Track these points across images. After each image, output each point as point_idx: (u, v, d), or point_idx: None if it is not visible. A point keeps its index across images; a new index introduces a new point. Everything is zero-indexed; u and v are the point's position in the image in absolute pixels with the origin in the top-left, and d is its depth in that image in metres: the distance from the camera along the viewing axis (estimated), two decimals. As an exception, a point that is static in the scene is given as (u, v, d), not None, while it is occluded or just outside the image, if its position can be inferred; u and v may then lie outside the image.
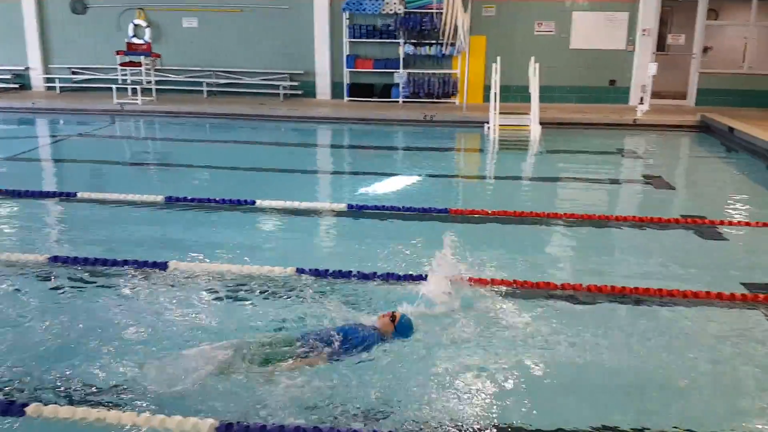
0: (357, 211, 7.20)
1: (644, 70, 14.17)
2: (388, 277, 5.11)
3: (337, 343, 3.85)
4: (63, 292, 4.88)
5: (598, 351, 4.11)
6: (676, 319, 4.64)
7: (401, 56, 15.23)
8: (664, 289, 4.94)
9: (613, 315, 4.66)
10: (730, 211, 7.76)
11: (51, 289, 4.94)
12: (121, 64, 15.26)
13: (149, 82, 15.23)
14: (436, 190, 8.75)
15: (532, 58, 12.57)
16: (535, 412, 3.49)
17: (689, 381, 3.83)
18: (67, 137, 12.77)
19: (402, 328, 4.07)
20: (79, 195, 7.53)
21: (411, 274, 5.14)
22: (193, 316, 4.48)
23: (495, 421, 3.38)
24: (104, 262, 5.34)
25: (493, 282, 5.03)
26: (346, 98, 15.71)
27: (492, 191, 9.14)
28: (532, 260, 5.71)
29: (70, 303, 4.73)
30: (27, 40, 16.49)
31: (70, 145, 11.86)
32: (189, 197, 7.45)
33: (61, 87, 16.38)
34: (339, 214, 7.22)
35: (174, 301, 4.67)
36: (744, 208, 7.96)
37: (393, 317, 4.08)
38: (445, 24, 14.62)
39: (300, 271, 5.20)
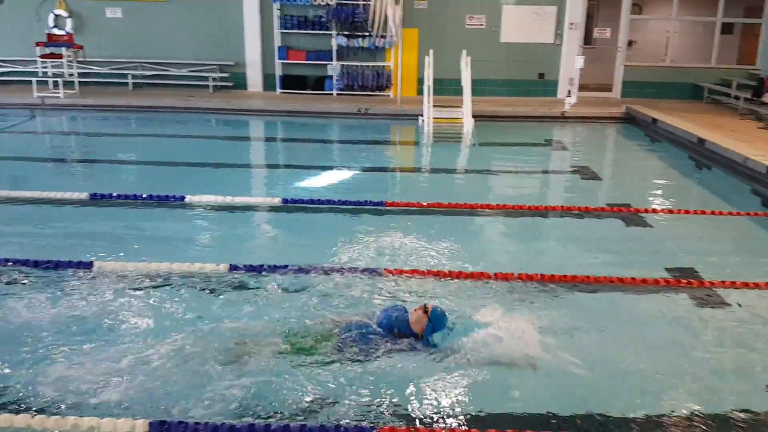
0: (292, 205, 7.12)
1: (572, 63, 14.54)
2: (325, 270, 5.07)
3: (374, 338, 3.94)
4: (-21, 296, 4.62)
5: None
6: (604, 304, 4.79)
7: (334, 48, 15.13)
8: (592, 276, 5.09)
9: (544, 303, 4.76)
10: (654, 199, 8.08)
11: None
12: (42, 56, 14.53)
13: (71, 75, 14.57)
14: (372, 183, 8.75)
15: (464, 52, 12.72)
16: (471, 396, 3.54)
17: (620, 364, 3.95)
18: (-17, 132, 12.12)
19: (436, 318, 4.03)
20: (-4, 193, 7.17)
21: (348, 267, 5.12)
22: (119, 317, 4.33)
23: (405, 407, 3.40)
24: (24, 263, 5.09)
25: (429, 273, 5.08)
26: (278, 90, 15.49)
27: (427, 183, 9.21)
28: (467, 251, 5.77)
29: (-13, 307, 4.49)
30: (-62, 31, 15.54)
31: (-14, 140, 11.25)
32: (115, 194, 7.19)
33: (-25, 80, 15.52)
34: (274, 208, 7.12)
35: (98, 303, 4.49)
36: (666, 196, 8.31)
37: (425, 309, 4.05)
38: (374, 15, 14.59)
39: (234, 267, 5.10)
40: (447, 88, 13.99)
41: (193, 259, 5.30)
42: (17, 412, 3.30)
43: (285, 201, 7.18)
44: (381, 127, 13.26)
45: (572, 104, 13.82)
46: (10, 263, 5.10)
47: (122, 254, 5.39)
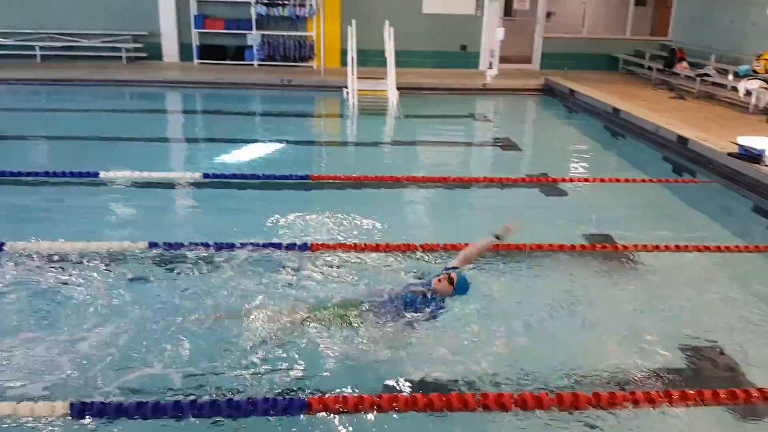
0: (214, 180, 6.94)
1: (492, 35, 14.71)
2: (250, 246, 4.97)
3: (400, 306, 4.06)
4: None
5: (457, 304, 4.24)
6: (525, 271, 4.93)
7: (253, 17, 14.72)
8: (512, 244, 5.20)
9: (468, 273, 4.84)
10: (571, 168, 8.34)
11: None
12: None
13: (-30, 45, 13.63)
14: (297, 156, 8.63)
15: (387, 22, 12.64)
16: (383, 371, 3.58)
17: (536, 325, 4.09)
18: None
19: (461, 287, 4.24)
20: None
21: (272, 243, 5.05)
22: (32, 299, 4.13)
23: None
24: None
25: (356, 247, 5.07)
26: (196, 61, 14.98)
27: (353, 156, 9.16)
28: (393, 223, 5.79)
29: None
30: None
31: None
32: (24, 171, 6.80)
33: None
34: (194, 184, 6.92)
35: (10, 285, 4.27)
36: (583, 165, 8.59)
37: (450, 279, 4.20)
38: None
39: (152, 245, 4.93)
40: (371, 59, 13.88)
41: (109, 237, 5.11)
42: None
43: (206, 176, 6.98)
44: (305, 98, 13.07)
45: (494, 76, 14.02)
46: None
47: (34, 234, 5.11)
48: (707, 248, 5.38)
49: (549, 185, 7.19)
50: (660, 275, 4.97)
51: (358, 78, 12.09)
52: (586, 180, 7.52)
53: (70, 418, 3.08)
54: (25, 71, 13.37)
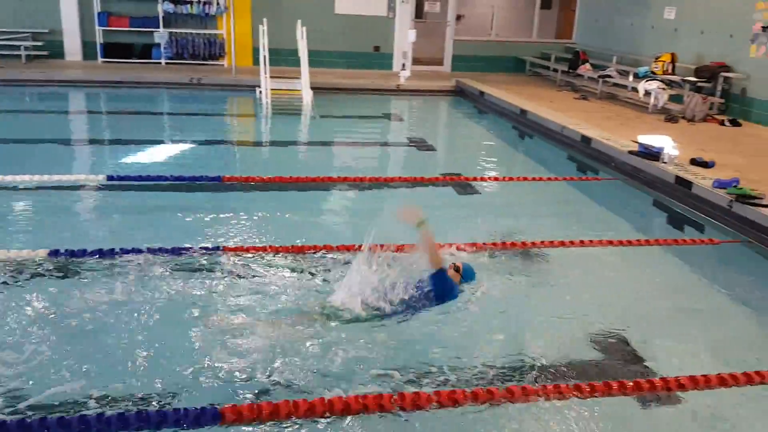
0: (118, 182, 6.65)
1: (405, 36, 14.88)
2: (159, 252, 4.80)
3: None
4: None
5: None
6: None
7: (160, 14, 14.26)
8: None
9: (383, 270, 4.85)
10: (483, 167, 8.54)
11: None
12: None
13: None
14: (208, 157, 8.40)
15: (299, 22, 12.53)
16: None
17: (445, 319, 4.16)
18: None
19: (467, 275, 4.45)
20: None
21: (184, 246, 4.89)
22: None
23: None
24: None
25: (271, 249, 4.99)
26: (100, 59, 14.36)
27: (267, 157, 9.02)
28: (308, 223, 5.74)
29: None
30: None
31: None
32: None
33: None
34: (98, 187, 6.61)
35: None
36: (493, 164, 8.82)
37: (457, 268, 4.37)
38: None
39: (53, 253, 4.67)
40: (284, 58, 13.75)
41: (6, 245, 4.80)
42: None
43: (110, 178, 6.69)
44: (216, 98, 12.76)
45: (407, 77, 14.19)
46: None
47: None
48: (610, 242, 5.63)
49: (462, 184, 7.33)
50: (566, 269, 5.17)
51: (271, 77, 11.93)
52: (497, 179, 7.73)
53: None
54: None
